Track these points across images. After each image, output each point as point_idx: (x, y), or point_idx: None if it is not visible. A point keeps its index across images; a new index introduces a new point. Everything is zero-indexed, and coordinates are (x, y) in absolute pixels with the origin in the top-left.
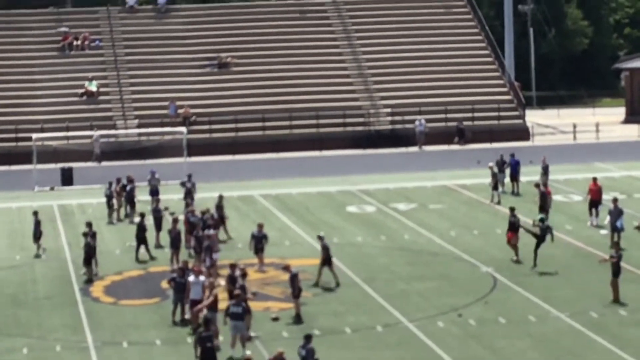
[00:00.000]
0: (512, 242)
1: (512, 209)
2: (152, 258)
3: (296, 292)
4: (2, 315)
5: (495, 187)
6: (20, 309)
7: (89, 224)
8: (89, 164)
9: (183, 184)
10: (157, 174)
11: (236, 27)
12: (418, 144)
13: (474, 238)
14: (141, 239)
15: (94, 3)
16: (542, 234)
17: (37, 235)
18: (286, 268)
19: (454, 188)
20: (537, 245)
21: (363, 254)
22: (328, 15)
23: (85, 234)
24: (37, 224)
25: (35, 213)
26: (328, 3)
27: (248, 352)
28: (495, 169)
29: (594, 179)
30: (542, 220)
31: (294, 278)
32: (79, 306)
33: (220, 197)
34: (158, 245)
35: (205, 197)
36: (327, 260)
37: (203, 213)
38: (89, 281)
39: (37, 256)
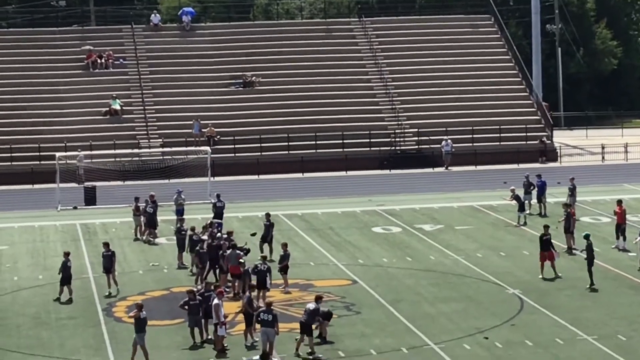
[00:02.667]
0: (549, 259)
1: (546, 227)
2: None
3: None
4: (25, 336)
5: (521, 209)
6: (43, 329)
7: (106, 244)
8: (113, 182)
9: (215, 205)
10: (183, 194)
11: (261, 46)
12: (444, 165)
13: (500, 259)
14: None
15: (118, 21)
16: (589, 252)
17: (67, 278)
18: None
19: (480, 209)
20: (589, 265)
21: (388, 275)
22: (354, 35)
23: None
24: (67, 267)
25: (67, 254)
26: (354, 22)
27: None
28: (514, 192)
29: (619, 202)
30: (586, 237)
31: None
32: (101, 326)
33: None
34: (181, 266)
35: (230, 216)
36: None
37: (229, 234)
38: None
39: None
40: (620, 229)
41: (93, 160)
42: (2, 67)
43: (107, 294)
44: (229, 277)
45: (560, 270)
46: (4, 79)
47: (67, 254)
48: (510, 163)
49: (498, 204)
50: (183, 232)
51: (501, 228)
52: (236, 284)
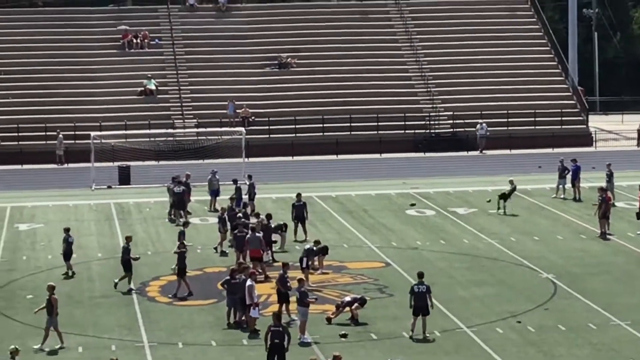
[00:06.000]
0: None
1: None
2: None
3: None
4: (59, 314)
5: (503, 197)
6: (76, 307)
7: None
8: (147, 162)
9: (235, 182)
10: (217, 174)
11: (297, 28)
12: (479, 148)
13: (534, 244)
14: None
15: (154, 1)
16: None
17: (68, 254)
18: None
19: (515, 193)
20: None
21: (422, 258)
22: (390, 17)
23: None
24: (69, 243)
25: (67, 230)
26: (390, 4)
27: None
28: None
29: None
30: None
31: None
32: (134, 306)
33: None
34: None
35: (264, 197)
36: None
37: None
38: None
39: (67, 276)
40: None
41: (128, 140)
42: (38, 47)
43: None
44: (248, 260)
45: (594, 255)
46: (39, 58)
47: (67, 230)
48: (545, 147)
49: (532, 188)
50: (233, 212)
51: (535, 212)
52: (258, 267)
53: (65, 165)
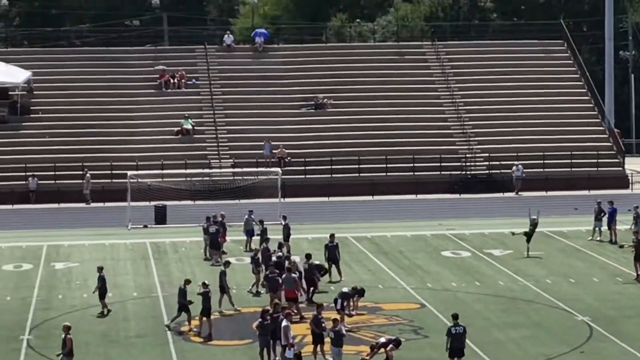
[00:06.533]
0: None
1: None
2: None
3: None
4: (93, 353)
5: (528, 240)
6: (111, 347)
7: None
8: (183, 202)
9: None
10: (253, 214)
11: (334, 68)
12: (515, 190)
13: (570, 286)
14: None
15: (191, 42)
16: None
17: (103, 293)
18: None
19: (551, 235)
20: None
21: (457, 299)
22: (426, 58)
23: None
24: (103, 280)
25: (100, 269)
26: (427, 45)
27: None
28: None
29: None
30: None
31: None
32: (169, 345)
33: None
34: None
35: (299, 237)
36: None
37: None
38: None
39: (101, 315)
40: None
41: (164, 179)
42: (77, 86)
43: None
44: (283, 300)
45: (631, 297)
46: (78, 97)
47: (100, 269)
48: (581, 189)
49: (569, 230)
50: (268, 253)
51: (571, 254)
52: (293, 308)
53: (92, 205)
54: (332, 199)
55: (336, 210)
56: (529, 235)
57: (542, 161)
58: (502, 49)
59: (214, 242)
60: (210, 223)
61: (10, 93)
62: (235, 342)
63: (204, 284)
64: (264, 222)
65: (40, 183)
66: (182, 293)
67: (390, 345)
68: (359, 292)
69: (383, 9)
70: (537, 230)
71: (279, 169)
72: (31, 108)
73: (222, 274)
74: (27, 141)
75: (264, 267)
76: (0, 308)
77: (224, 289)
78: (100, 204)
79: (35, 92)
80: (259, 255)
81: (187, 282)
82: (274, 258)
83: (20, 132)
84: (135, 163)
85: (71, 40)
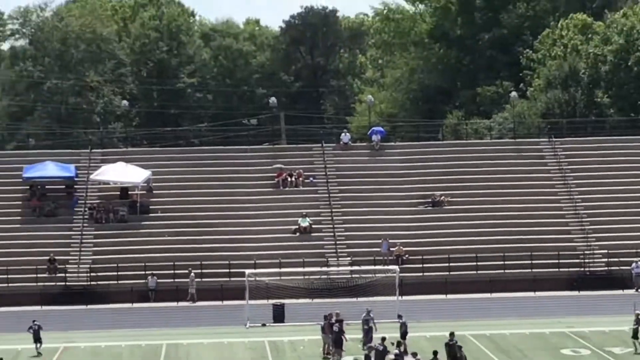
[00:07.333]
0: None
1: None
2: None
3: None
4: None
5: (634, 336)
6: None
7: None
8: (301, 300)
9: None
10: (372, 312)
11: (450, 166)
12: (635, 287)
13: None
14: None
15: (308, 140)
16: None
17: None
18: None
19: None
20: None
21: None
22: (543, 155)
23: None
24: None
25: None
26: (544, 142)
27: None
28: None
29: None
30: None
31: None
32: None
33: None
34: None
35: (417, 336)
36: None
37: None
38: None
39: None
40: None
41: (282, 278)
42: (195, 185)
43: None
44: None
45: None
46: (196, 196)
47: None
48: None
49: None
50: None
51: None
52: None
53: (211, 303)
54: (449, 296)
55: (454, 308)
56: (634, 332)
57: None
58: (619, 144)
59: (338, 341)
60: (332, 322)
61: (130, 192)
62: None
63: None
64: (369, 321)
65: (159, 282)
66: None
67: None
68: None
69: (499, 105)
70: None
71: (396, 267)
72: (150, 207)
73: None
74: (146, 240)
75: None
76: None
77: None
78: (219, 302)
79: (154, 192)
80: (372, 353)
81: None
82: (390, 356)
83: (140, 231)
84: (253, 262)
85: (189, 139)
